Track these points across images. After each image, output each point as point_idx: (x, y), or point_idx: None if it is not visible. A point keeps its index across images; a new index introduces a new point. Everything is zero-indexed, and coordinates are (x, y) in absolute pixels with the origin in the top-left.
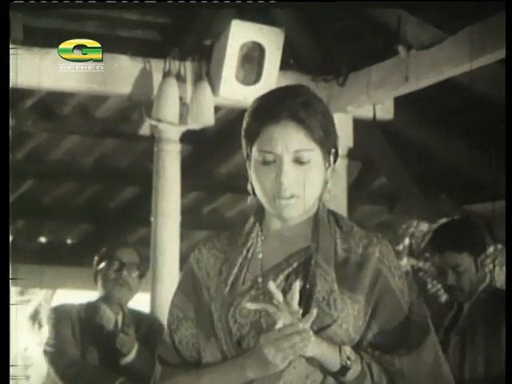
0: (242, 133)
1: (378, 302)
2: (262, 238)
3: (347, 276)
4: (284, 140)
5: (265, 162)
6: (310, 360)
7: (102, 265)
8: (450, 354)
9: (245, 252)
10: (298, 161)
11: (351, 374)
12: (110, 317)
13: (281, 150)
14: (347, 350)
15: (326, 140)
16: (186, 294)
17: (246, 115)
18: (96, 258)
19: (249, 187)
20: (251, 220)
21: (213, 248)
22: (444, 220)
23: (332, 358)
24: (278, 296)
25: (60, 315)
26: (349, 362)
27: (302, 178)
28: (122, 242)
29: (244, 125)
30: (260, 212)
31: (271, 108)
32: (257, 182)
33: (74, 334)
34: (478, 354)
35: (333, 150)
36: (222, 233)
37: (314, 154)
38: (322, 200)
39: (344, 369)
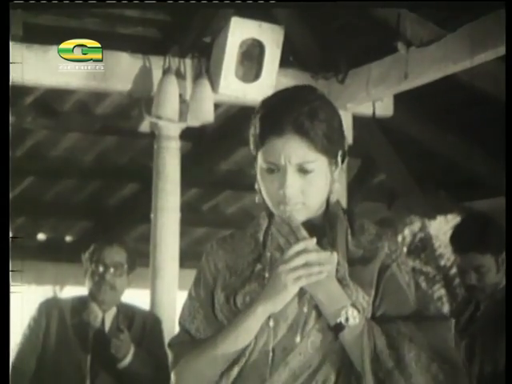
0: (250, 134)
1: (384, 295)
2: (272, 232)
3: (357, 270)
4: (287, 153)
5: (269, 170)
6: (316, 352)
7: (88, 266)
8: (461, 350)
9: (253, 244)
10: (302, 170)
11: (347, 335)
12: (97, 314)
13: (284, 162)
14: (351, 312)
15: (331, 147)
16: (199, 286)
17: (253, 117)
18: (83, 256)
19: (256, 186)
20: (263, 214)
21: (224, 243)
22: (463, 217)
23: (332, 309)
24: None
25: (48, 311)
26: (344, 323)
27: (306, 187)
28: (107, 241)
29: (251, 128)
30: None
31: (276, 119)
32: (263, 187)
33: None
34: (488, 352)
35: (340, 152)
36: (237, 232)
37: (319, 163)
38: (330, 199)
39: (338, 327)
